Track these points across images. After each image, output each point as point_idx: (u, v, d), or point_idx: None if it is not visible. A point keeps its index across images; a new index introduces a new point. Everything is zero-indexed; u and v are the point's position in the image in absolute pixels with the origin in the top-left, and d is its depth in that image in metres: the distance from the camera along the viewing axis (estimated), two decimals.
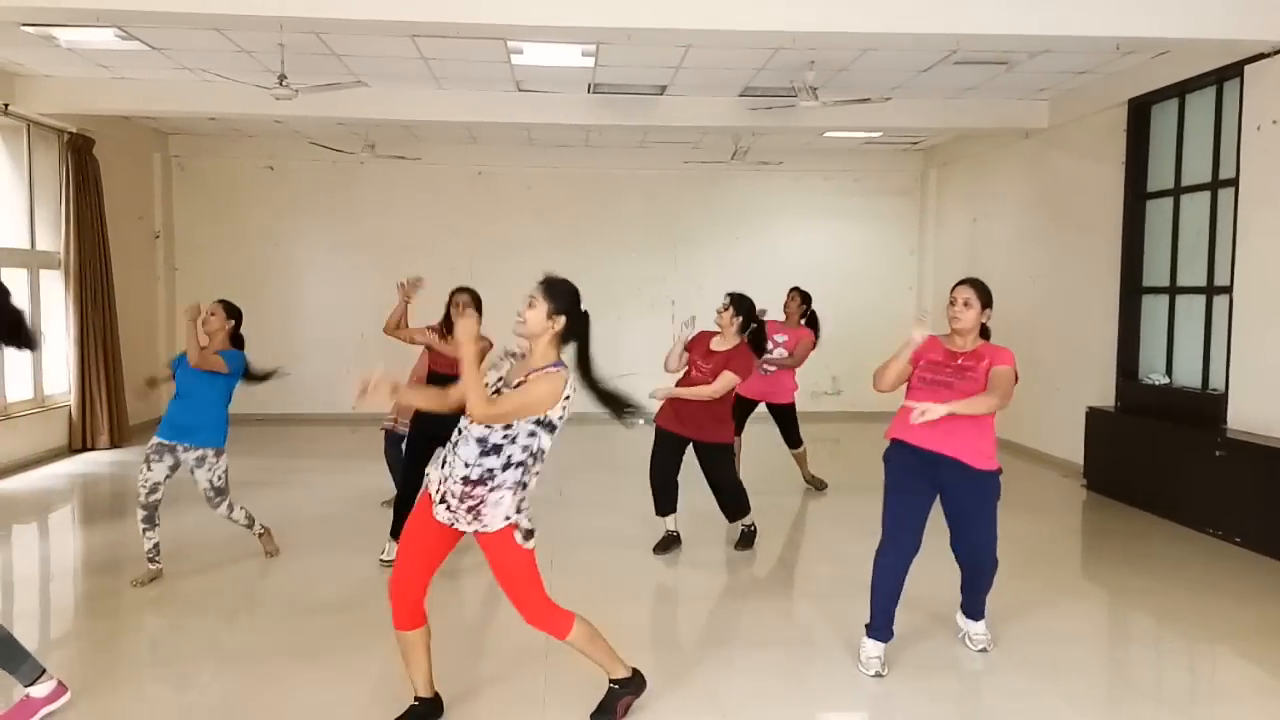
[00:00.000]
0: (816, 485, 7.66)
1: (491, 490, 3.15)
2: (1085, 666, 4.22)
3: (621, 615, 4.41)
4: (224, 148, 11.30)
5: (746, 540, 5.94)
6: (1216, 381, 6.85)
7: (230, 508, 5.32)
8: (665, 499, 5.78)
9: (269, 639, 4.40)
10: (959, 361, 4.02)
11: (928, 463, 3.97)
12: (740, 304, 5.55)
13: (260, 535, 5.61)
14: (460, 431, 3.20)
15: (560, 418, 3.21)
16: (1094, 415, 7.86)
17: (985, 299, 4.03)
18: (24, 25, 6.57)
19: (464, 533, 3.28)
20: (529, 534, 3.26)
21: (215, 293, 10.39)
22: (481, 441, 3.13)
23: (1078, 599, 5.21)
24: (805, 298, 7.35)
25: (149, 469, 5.06)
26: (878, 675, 4.00)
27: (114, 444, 9.41)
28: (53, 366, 9.13)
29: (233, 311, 5.34)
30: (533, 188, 11.76)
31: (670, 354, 5.67)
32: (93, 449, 9.28)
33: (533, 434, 3.17)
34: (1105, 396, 7.98)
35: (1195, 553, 6.01)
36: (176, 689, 3.90)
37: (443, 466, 3.22)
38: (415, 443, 5.44)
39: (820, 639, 4.46)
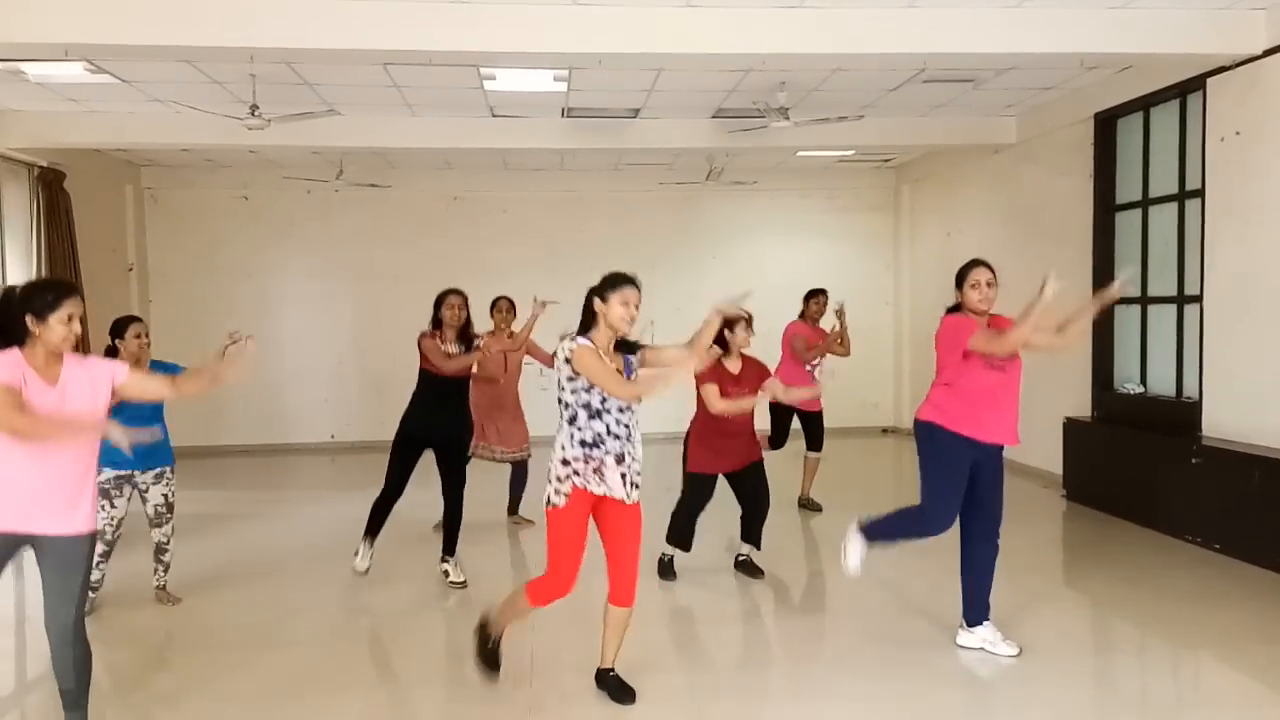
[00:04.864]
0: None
1: None
2: (1069, 675, 4.23)
3: None
4: (197, 179, 11.23)
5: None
6: (1190, 389, 6.93)
7: (172, 531, 5.26)
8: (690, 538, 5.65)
9: (250, 675, 4.34)
10: None
11: (978, 449, 4.27)
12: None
13: (161, 586, 5.35)
14: (629, 425, 3.73)
15: None
16: (1071, 426, 7.92)
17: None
18: None
19: None
20: None
21: (190, 325, 10.44)
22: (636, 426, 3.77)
23: (1060, 608, 5.23)
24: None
25: (113, 505, 4.98)
26: None
27: None
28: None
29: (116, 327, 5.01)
30: (509, 212, 11.78)
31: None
32: None
33: None
34: (1082, 407, 8.05)
35: (1175, 560, 6.05)
36: None
37: (621, 462, 3.69)
38: (406, 447, 5.52)
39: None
